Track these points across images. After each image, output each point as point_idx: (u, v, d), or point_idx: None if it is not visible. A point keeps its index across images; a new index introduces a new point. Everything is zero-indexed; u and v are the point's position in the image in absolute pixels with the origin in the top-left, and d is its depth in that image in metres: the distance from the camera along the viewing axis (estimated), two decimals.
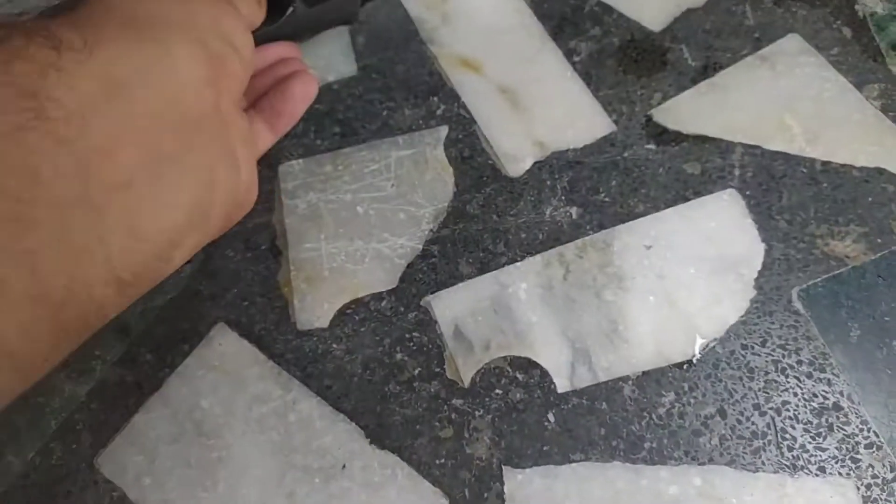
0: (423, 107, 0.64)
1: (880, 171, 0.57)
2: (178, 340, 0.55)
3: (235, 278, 0.57)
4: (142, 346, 0.55)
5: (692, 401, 0.50)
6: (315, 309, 0.55)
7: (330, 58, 0.67)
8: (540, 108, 0.63)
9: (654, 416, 0.50)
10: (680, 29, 0.66)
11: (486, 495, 0.48)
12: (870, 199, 0.56)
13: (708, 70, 0.64)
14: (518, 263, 0.56)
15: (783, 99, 0.62)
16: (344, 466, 0.49)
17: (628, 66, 0.65)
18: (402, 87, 0.63)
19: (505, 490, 0.48)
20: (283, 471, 0.49)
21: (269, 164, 0.61)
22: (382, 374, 0.53)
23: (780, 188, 0.57)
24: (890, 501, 0.46)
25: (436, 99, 0.64)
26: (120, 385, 0.54)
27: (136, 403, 0.53)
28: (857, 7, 0.66)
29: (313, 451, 0.50)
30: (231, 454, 0.51)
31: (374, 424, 0.51)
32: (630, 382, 0.51)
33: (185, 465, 0.51)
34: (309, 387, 0.53)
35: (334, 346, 0.54)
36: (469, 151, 0.61)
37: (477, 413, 0.51)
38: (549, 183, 0.59)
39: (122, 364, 0.55)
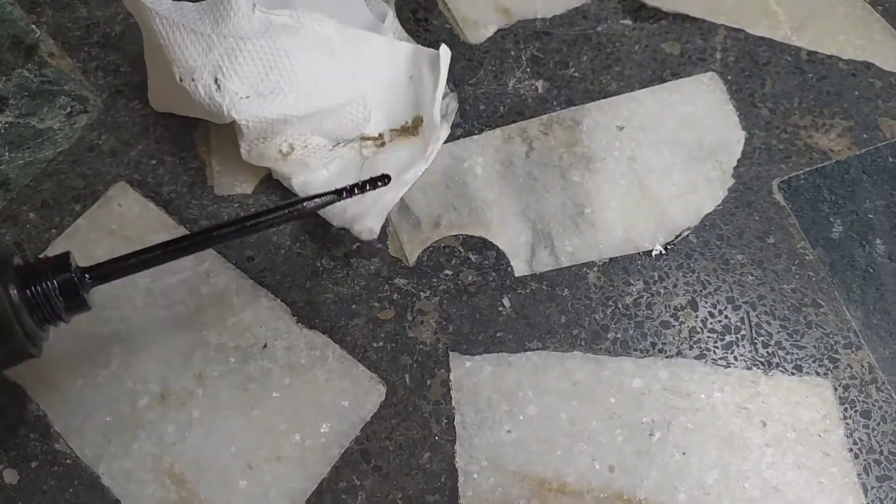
0: None
1: (868, 66, 0.53)
2: (68, 199, 0.46)
3: (142, 133, 0.48)
4: (25, 202, 0.46)
5: (662, 291, 0.45)
6: (237, 172, 0.47)
7: None
8: None
9: (619, 305, 0.44)
10: None
11: (429, 382, 0.42)
12: (856, 93, 0.52)
13: None
14: (475, 136, 0.49)
15: None
16: (265, 346, 0.42)
17: None
18: None
19: (451, 378, 0.42)
20: (192, 348, 0.42)
21: None
22: (314, 247, 0.45)
23: (764, 75, 0.52)
24: (867, 403, 0.42)
25: None
26: None
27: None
28: None
29: (229, 329, 0.43)
30: (129, 328, 0.43)
31: (302, 302, 0.44)
32: (595, 269, 0.45)
33: (74, 339, 0.42)
34: (226, 258, 0.45)
35: None
36: (424, 13, 0.54)
37: (422, 294, 0.44)
38: (513, 53, 0.53)
39: (0, 221, 0.46)
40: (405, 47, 0.46)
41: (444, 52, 0.46)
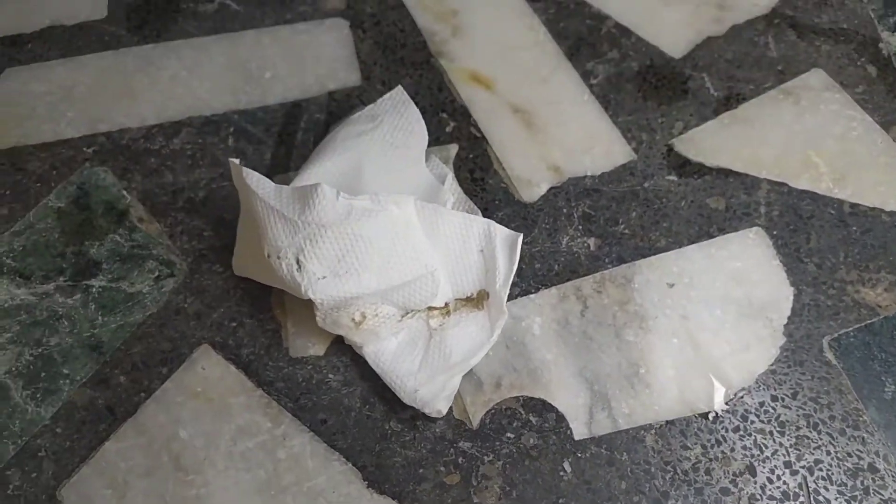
0: (432, 122, 0.60)
1: None
2: (156, 362, 0.50)
3: (223, 296, 0.52)
4: (116, 366, 0.50)
5: (720, 455, 0.46)
6: (311, 334, 0.50)
7: (332, 64, 0.63)
8: (555, 131, 0.60)
9: (678, 470, 0.46)
10: (701, 57, 0.64)
11: None
12: None
13: (730, 101, 0.61)
14: (532, 295, 0.52)
15: (808, 136, 0.59)
16: None
17: (648, 92, 0.62)
18: None
19: None
20: None
21: (264, 174, 0.57)
22: (383, 409, 0.48)
23: (809, 229, 0.54)
24: None
25: (445, 115, 0.60)
26: (89, 408, 0.48)
27: (106, 430, 0.48)
28: (881, 45, 0.64)
29: (304, 493, 0.45)
30: (211, 492, 0.45)
31: (372, 465, 0.46)
32: (653, 432, 0.47)
33: (160, 501, 0.45)
34: (301, 420, 0.48)
35: (330, 375, 0.49)
36: (480, 173, 0.58)
37: (486, 458, 0.46)
38: (565, 210, 0.56)
39: (92, 385, 0.49)
40: (479, 222, 0.49)
41: (519, 236, 0.50)
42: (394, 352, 0.48)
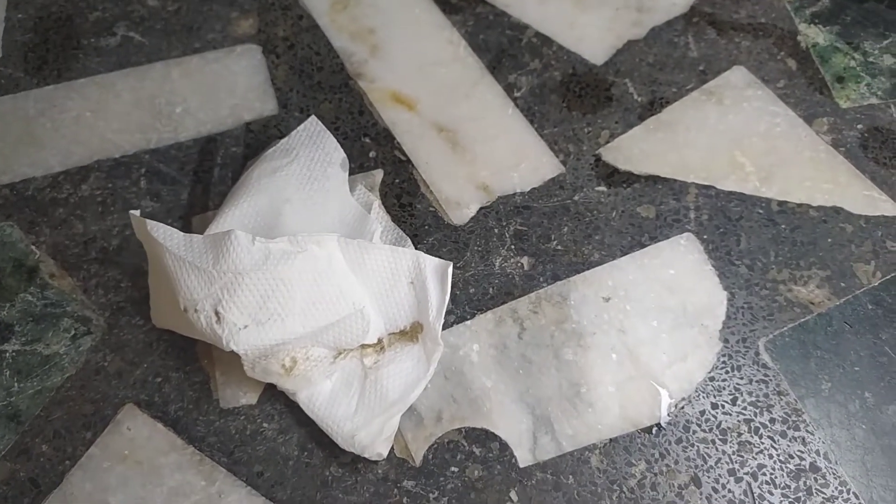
0: (354, 147, 0.58)
1: (837, 211, 0.55)
2: (79, 427, 0.47)
3: (145, 351, 0.50)
4: (36, 435, 0.47)
5: (664, 469, 0.46)
6: (241, 383, 0.48)
7: (246, 93, 0.61)
8: (482, 149, 0.59)
9: (625, 488, 0.45)
10: (623, 62, 0.63)
11: None
12: (829, 240, 0.54)
13: (654, 105, 0.61)
14: (468, 322, 0.51)
15: (733, 135, 0.59)
16: None
17: (572, 101, 0.61)
18: (329, 127, 0.57)
19: None
20: None
21: (180, 217, 0.54)
22: (322, 455, 0.46)
23: (738, 231, 0.54)
24: None
25: (368, 139, 0.59)
26: (11, 483, 0.46)
27: (31, 503, 0.45)
28: (799, 38, 0.64)
29: None
30: None
31: None
32: (597, 451, 0.46)
33: None
34: (237, 475, 0.46)
35: (265, 424, 0.47)
36: (408, 197, 0.56)
37: (431, 495, 0.45)
38: (496, 231, 0.55)
39: (13, 457, 0.46)
40: (407, 254, 0.48)
41: (449, 265, 0.48)
42: (328, 396, 0.46)
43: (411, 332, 0.48)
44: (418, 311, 0.48)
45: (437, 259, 0.49)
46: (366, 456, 0.44)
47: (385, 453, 0.45)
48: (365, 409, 0.46)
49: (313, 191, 0.52)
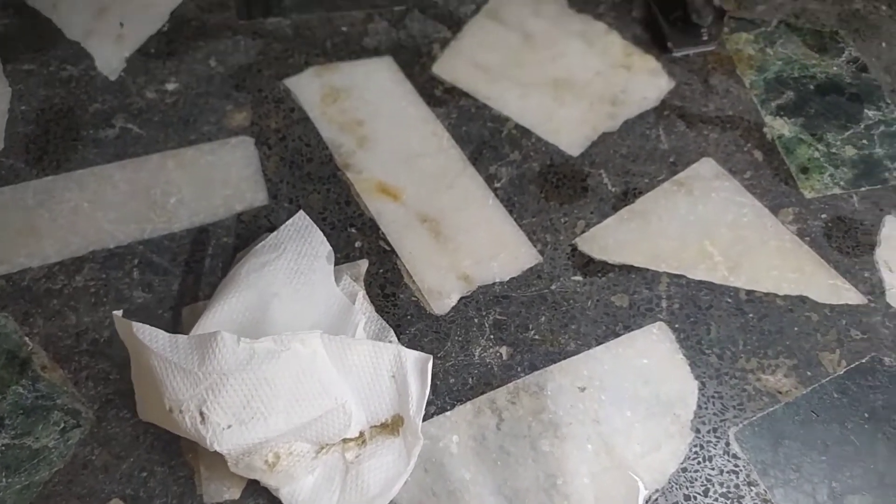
0: (340, 238, 0.60)
1: (803, 300, 0.57)
2: None
3: (132, 444, 0.51)
4: None
5: None
6: (225, 478, 0.49)
7: (238, 184, 0.63)
8: (463, 238, 0.61)
9: None
10: (597, 153, 0.66)
11: None
12: (795, 328, 0.56)
13: (628, 195, 0.64)
14: (448, 413, 0.52)
15: (702, 225, 0.62)
16: None
17: (550, 191, 0.64)
18: (316, 218, 0.60)
19: None
20: None
21: (171, 308, 0.56)
22: None
23: (708, 320, 0.57)
24: None
25: (354, 230, 0.61)
26: None
27: None
28: (765, 130, 0.68)
29: None
30: None
31: None
32: None
33: None
34: None
35: None
36: (391, 287, 0.58)
37: None
38: (476, 320, 0.57)
39: None
40: (389, 349, 0.49)
41: (429, 359, 0.50)
42: (310, 491, 0.47)
43: (392, 425, 0.50)
44: (399, 405, 0.50)
45: (417, 353, 0.50)
46: None
47: None
48: (344, 502, 0.47)
49: (300, 284, 0.54)
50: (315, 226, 0.57)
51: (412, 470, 0.49)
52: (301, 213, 0.58)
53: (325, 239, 0.57)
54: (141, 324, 0.46)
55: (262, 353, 0.45)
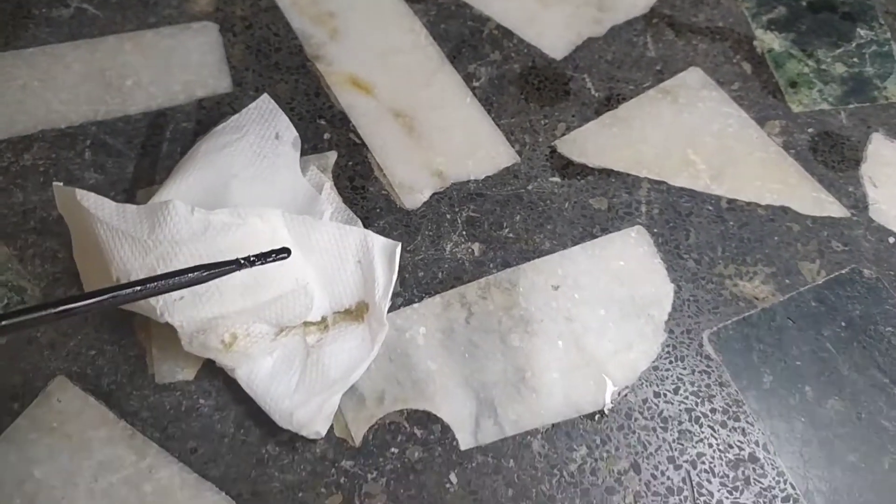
0: (309, 129, 0.57)
1: (785, 210, 0.56)
2: (6, 397, 0.45)
3: (80, 323, 0.48)
4: None
5: (605, 455, 0.46)
6: (178, 358, 0.47)
7: (200, 70, 0.60)
8: (438, 136, 0.58)
9: (565, 473, 0.45)
10: (582, 58, 0.64)
11: None
12: (776, 238, 0.55)
13: (611, 101, 0.61)
14: (416, 305, 0.50)
15: (687, 133, 0.60)
16: None
17: (530, 93, 0.61)
18: (284, 108, 0.57)
19: None
20: None
21: (124, 190, 0.53)
22: (259, 433, 0.45)
23: (687, 226, 0.55)
24: None
25: (323, 121, 0.58)
26: None
27: None
28: (755, 43, 0.66)
29: None
30: None
31: (248, 493, 0.43)
32: (539, 436, 0.46)
33: None
34: (169, 451, 0.44)
35: (201, 401, 0.46)
36: (361, 180, 0.56)
37: (369, 476, 0.44)
38: (448, 216, 0.54)
39: None
40: (355, 232, 0.47)
41: (397, 245, 0.48)
42: (269, 373, 0.45)
43: (357, 312, 0.47)
44: (364, 291, 0.47)
45: (385, 239, 0.48)
46: (304, 434, 0.43)
47: (323, 432, 0.44)
48: (305, 387, 0.45)
49: (262, 168, 0.51)
50: (280, 110, 0.54)
51: (376, 356, 0.47)
52: (265, 95, 0.55)
53: (290, 124, 0.54)
54: (85, 191, 0.43)
55: (218, 226, 0.43)
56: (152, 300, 0.42)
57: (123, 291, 0.36)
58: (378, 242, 0.48)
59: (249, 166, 0.51)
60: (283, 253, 0.42)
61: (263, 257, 0.41)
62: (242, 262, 0.40)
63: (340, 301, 0.48)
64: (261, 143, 0.52)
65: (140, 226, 0.42)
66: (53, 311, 0.33)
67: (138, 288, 0.36)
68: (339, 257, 0.47)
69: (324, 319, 0.47)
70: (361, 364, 0.46)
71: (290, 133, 0.54)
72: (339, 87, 0.60)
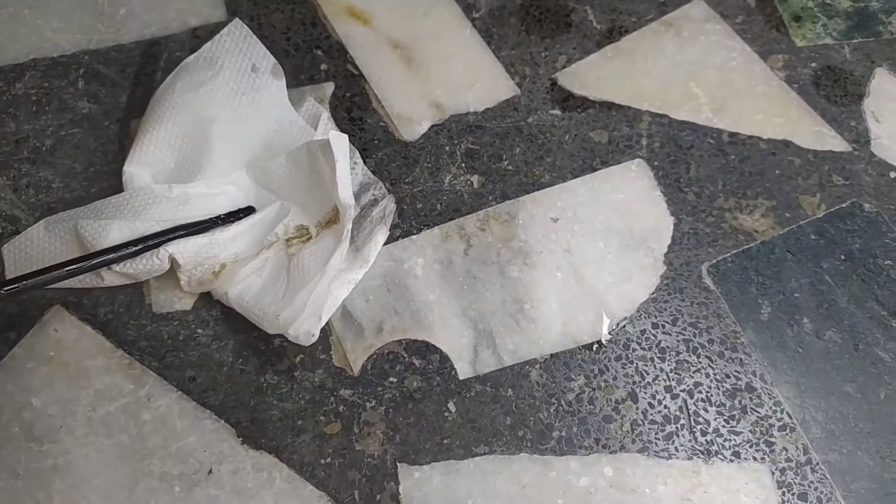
0: (305, 60, 0.56)
1: (787, 144, 0.55)
2: (3, 327, 0.45)
3: None
4: None
5: (602, 384, 0.46)
6: (177, 287, 0.46)
7: None
8: (437, 67, 0.57)
9: (563, 402, 0.45)
10: None
11: (378, 497, 0.42)
12: (777, 171, 0.54)
13: (613, 34, 0.60)
14: (414, 236, 0.50)
15: (689, 67, 0.59)
16: (210, 471, 0.42)
17: (531, 25, 0.60)
18: (279, 38, 0.55)
19: (400, 490, 0.42)
20: (135, 479, 0.41)
21: (117, 119, 0.52)
22: (258, 362, 0.45)
23: (688, 159, 0.54)
24: (803, 485, 0.44)
25: (320, 52, 0.57)
26: None
27: None
28: None
29: (173, 455, 0.42)
30: (70, 461, 0.42)
31: (246, 421, 0.44)
32: (537, 366, 0.46)
33: (12, 475, 0.41)
34: (167, 379, 0.44)
35: (199, 331, 0.46)
36: (358, 112, 0.55)
37: (368, 404, 0.45)
38: (447, 148, 0.54)
39: None
40: (300, 150, 0.47)
41: (336, 137, 0.45)
42: (259, 289, 0.45)
43: (334, 217, 0.47)
44: (332, 194, 0.46)
45: (325, 138, 0.46)
46: (293, 337, 0.42)
47: (316, 333, 0.43)
48: (290, 291, 0.44)
49: (241, 106, 0.50)
50: (254, 36, 0.53)
51: (348, 245, 0.45)
52: (237, 20, 0.53)
53: (267, 51, 0.53)
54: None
55: (198, 197, 0.45)
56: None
57: (124, 251, 0.43)
58: (320, 145, 0.46)
59: (227, 107, 0.50)
60: (250, 211, 0.47)
61: (234, 216, 0.46)
62: (216, 220, 0.45)
63: (318, 212, 0.47)
64: (237, 78, 0.51)
65: (124, 211, 0.44)
66: (65, 269, 0.41)
67: (133, 249, 0.43)
68: (305, 173, 0.47)
69: (305, 228, 0.47)
70: (336, 252, 0.44)
71: (267, 62, 0.52)
72: (336, 17, 0.59)
